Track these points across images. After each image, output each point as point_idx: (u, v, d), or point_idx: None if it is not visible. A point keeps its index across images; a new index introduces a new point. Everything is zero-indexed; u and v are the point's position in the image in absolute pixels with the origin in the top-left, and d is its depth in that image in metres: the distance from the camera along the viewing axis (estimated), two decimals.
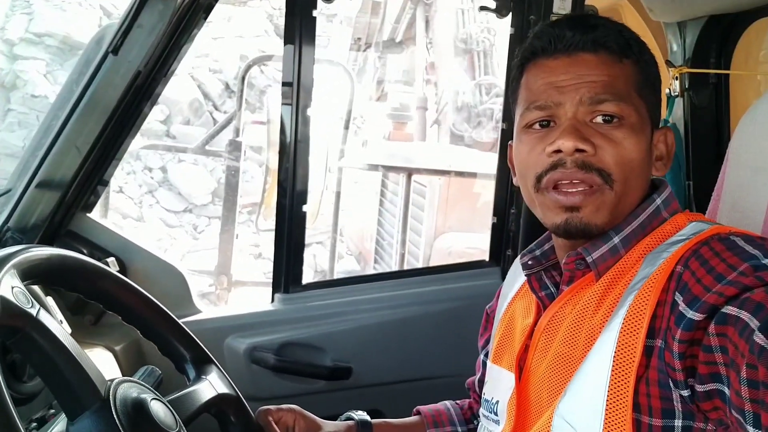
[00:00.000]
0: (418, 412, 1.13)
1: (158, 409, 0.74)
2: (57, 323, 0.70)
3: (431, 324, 1.75)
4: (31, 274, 0.72)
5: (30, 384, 1.09)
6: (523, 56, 0.88)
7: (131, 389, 0.74)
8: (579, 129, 0.81)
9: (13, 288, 0.66)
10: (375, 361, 1.72)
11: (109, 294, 0.85)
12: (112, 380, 0.74)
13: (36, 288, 1.25)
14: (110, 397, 0.70)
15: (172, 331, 0.91)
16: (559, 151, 0.81)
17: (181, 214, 8.13)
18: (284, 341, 1.70)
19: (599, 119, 0.82)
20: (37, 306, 0.69)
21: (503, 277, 1.78)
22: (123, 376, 1.54)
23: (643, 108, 0.84)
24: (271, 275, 1.81)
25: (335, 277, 3.40)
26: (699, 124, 1.70)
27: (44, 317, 0.69)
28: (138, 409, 0.72)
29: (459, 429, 1.09)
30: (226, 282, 3.05)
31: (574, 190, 0.81)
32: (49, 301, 1.35)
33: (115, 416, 0.69)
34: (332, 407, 1.71)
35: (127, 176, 7.94)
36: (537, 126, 0.85)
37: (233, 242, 3.09)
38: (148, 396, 0.75)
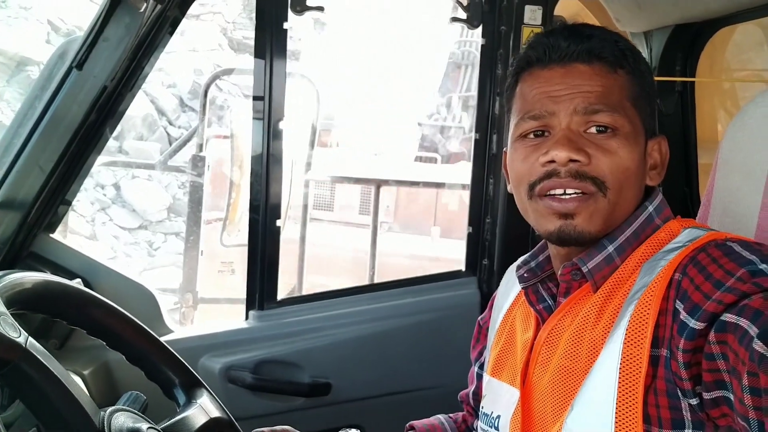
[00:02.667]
0: (412, 428, 1.11)
1: None
2: (46, 351, 0.66)
3: (409, 336, 1.74)
4: (16, 300, 0.69)
5: (4, 414, 1.03)
6: (518, 66, 0.88)
7: (125, 419, 0.71)
8: (573, 139, 0.81)
9: (0, 317, 0.62)
10: (354, 376, 1.70)
11: (94, 320, 0.81)
12: (105, 410, 0.70)
13: None
14: (105, 427, 0.66)
15: (159, 355, 0.87)
16: (552, 161, 0.81)
17: (135, 231, 7.94)
18: (261, 359, 1.66)
19: (593, 129, 0.82)
20: (25, 335, 0.65)
21: (480, 287, 1.80)
22: (94, 401, 1.51)
23: (637, 118, 0.84)
24: (238, 291, 1.77)
25: (304, 292, 3.36)
26: (666, 132, 1.72)
27: (33, 346, 0.65)
28: None
29: None
30: (192, 300, 2.98)
31: (567, 197, 0.81)
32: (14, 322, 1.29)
33: None
34: (313, 424, 1.68)
35: (78, 194, 7.72)
36: (531, 135, 0.85)
37: (198, 259, 3.03)
38: (143, 425, 0.71)
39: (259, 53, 1.68)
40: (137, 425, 0.71)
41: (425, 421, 1.12)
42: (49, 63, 1.58)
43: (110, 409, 0.70)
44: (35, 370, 0.63)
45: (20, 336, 0.64)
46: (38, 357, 0.64)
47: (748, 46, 1.69)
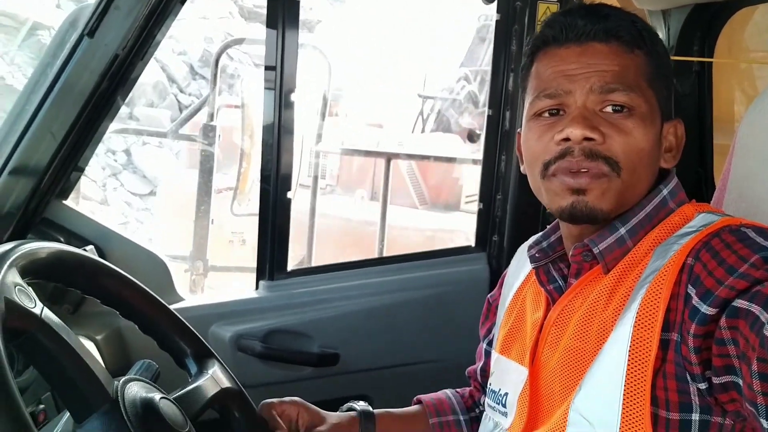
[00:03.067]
0: (419, 401, 1.12)
1: (168, 407, 0.72)
2: (61, 321, 0.67)
3: (418, 310, 1.75)
4: (30, 270, 0.69)
5: (19, 379, 1.05)
6: (534, 45, 0.88)
7: (139, 389, 0.72)
8: (588, 118, 0.81)
9: (15, 287, 0.63)
10: (362, 348, 1.72)
11: (108, 290, 0.82)
12: (119, 379, 0.71)
13: None
14: (119, 397, 0.68)
15: (172, 326, 0.88)
16: (567, 139, 0.81)
17: (146, 198, 7.97)
18: (270, 329, 1.67)
19: (609, 109, 0.82)
20: (41, 305, 0.66)
21: (489, 262, 1.81)
22: (106, 366, 1.53)
23: (653, 99, 0.84)
24: (247, 261, 1.78)
25: (313, 264, 3.37)
26: (682, 113, 1.72)
27: (48, 316, 0.66)
28: (148, 409, 0.70)
29: (461, 418, 1.09)
30: (202, 267, 3.01)
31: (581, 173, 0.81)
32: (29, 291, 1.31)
33: (125, 417, 0.66)
34: (320, 393, 1.70)
35: (90, 160, 7.73)
36: (546, 114, 0.85)
37: (209, 227, 3.04)
38: (156, 395, 0.72)
39: (271, 23, 1.67)
40: (150, 395, 0.72)
41: (432, 395, 1.13)
42: (61, 30, 1.57)
43: (124, 378, 0.72)
44: (50, 340, 0.64)
45: (36, 306, 0.65)
46: (53, 327, 0.65)
47: None
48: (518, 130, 0.93)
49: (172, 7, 1.60)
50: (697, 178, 1.76)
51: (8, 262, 0.64)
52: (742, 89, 1.77)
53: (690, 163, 1.77)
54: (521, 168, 0.92)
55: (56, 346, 0.65)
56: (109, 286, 0.82)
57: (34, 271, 0.70)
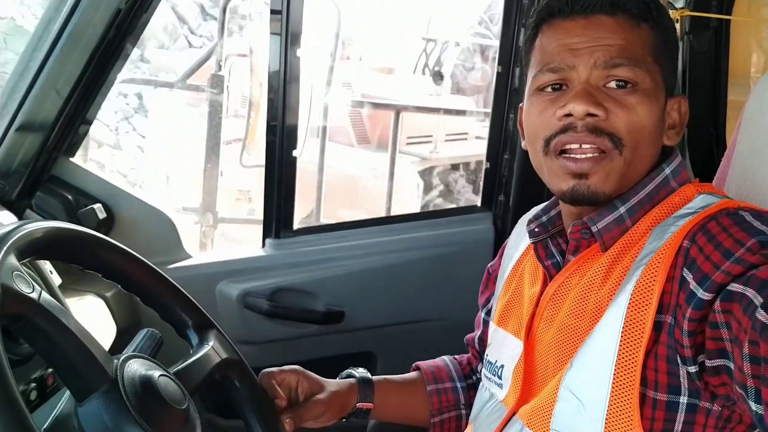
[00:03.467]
0: (417, 368, 1.14)
1: (166, 384, 0.74)
2: (58, 304, 0.68)
3: (422, 269, 1.76)
4: (28, 251, 0.70)
5: (27, 345, 1.07)
6: (538, 17, 0.86)
7: (138, 366, 0.73)
8: (591, 93, 0.79)
9: (13, 272, 0.64)
10: (367, 305, 1.74)
11: (107, 264, 0.83)
12: (118, 357, 0.73)
13: None
14: (118, 376, 0.69)
15: (172, 297, 0.90)
16: (570, 115, 0.80)
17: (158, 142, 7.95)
18: (277, 287, 1.70)
19: (613, 84, 0.80)
20: (38, 289, 0.67)
21: (495, 223, 1.80)
22: (116, 323, 1.56)
23: (659, 74, 0.82)
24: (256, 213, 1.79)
25: (321, 221, 3.37)
26: (698, 69, 1.67)
27: (46, 300, 0.67)
28: (146, 387, 0.72)
29: (458, 385, 1.11)
30: (212, 219, 3.03)
31: (583, 156, 0.80)
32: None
33: (123, 396, 0.68)
34: (325, 350, 1.74)
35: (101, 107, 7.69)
36: (549, 89, 0.83)
37: (218, 180, 3.05)
38: (155, 372, 0.74)
39: None
40: (149, 372, 0.73)
41: (430, 362, 1.15)
42: None
43: (123, 356, 0.73)
44: (48, 323, 0.66)
45: (33, 291, 0.66)
46: (51, 311, 0.66)
47: None
48: (520, 105, 0.91)
49: None
50: (709, 137, 1.72)
51: (5, 248, 0.65)
52: (761, 47, 1.71)
53: (704, 122, 1.73)
54: (522, 144, 0.91)
55: (54, 328, 0.66)
56: (109, 260, 0.83)
57: (33, 252, 0.71)
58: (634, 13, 0.80)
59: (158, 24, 8.07)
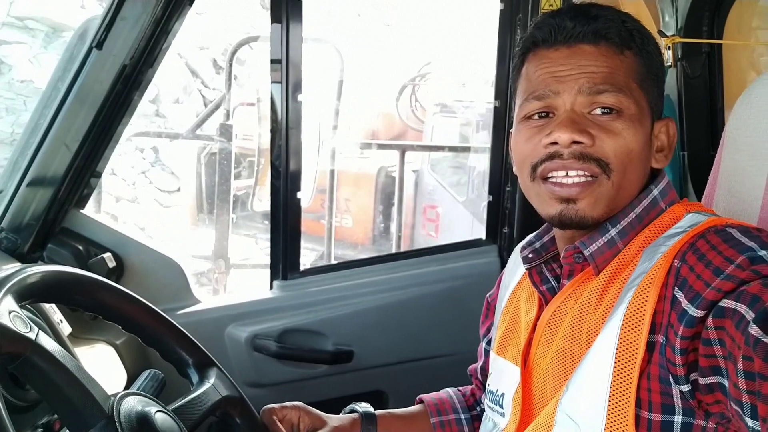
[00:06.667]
0: (421, 401, 1.14)
1: (163, 420, 0.75)
2: (56, 344, 0.70)
3: (430, 304, 1.76)
4: (27, 294, 0.72)
5: (33, 391, 1.09)
6: (524, 46, 0.88)
7: (135, 403, 0.75)
8: (576, 121, 0.80)
9: (10, 313, 0.66)
10: (376, 344, 1.74)
11: (107, 305, 0.85)
12: (115, 395, 0.74)
13: None
14: (114, 413, 0.71)
15: (173, 336, 0.91)
16: (555, 143, 0.81)
17: (175, 194, 8.09)
18: (285, 328, 1.71)
19: (598, 111, 0.81)
20: (36, 329, 0.69)
21: (500, 255, 1.81)
22: (126, 371, 1.57)
23: (643, 99, 0.83)
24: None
25: (333, 261, 3.40)
26: (692, 94, 1.69)
27: (43, 340, 0.69)
28: (143, 422, 0.73)
29: (462, 416, 1.11)
30: (224, 266, 3.06)
31: (570, 181, 0.81)
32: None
33: None
34: (335, 390, 1.74)
35: (118, 158, 7.86)
36: (536, 117, 0.85)
37: (229, 226, 3.09)
38: (152, 408, 0.75)
39: (275, 18, 1.68)
40: (146, 409, 0.75)
41: (434, 394, 1.14)
42: (70, 44, 1.61)
43: (120, 393, 0.74)
44: (45, 362, 0.67)
45: (31, 331, 0.68)
46: (48, 350, 0.68)
47: None
48: (511, 130, 0.93)
49: (178, 13, 1.62)
50: (710, 160, 1.73)
51: (3, 290, 0.68)
52: (755, 69, 1.73)
53: (703, 145, 1.74)
54: (513, 169, 0.92)
55: (52, 367, 0.68)
56: (109, 301, 0.85)
57: (31, 294, 0.73)
58: (616, 42, 0.82)
59: (172, 78, 8.28)
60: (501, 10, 1.73)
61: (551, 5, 1.67)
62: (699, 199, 1.62)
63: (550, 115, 0.83)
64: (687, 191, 1.72)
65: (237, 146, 3.02)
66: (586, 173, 0.80)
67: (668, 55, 1.67)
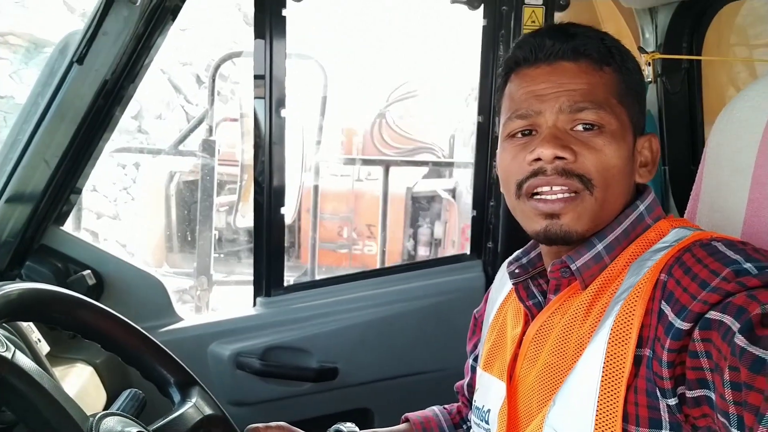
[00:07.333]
0: (407, 420, 1.12)
1: None
2: (33, 363, 0.68)
3: (415, 320, 1.75)
4: (4, 313, 0.71)
5: (9, 412, 1.06)
6: (506, 66, 0.89)
7: (115, 423, 0.73)
8: (559, 137, 0.81)
9: None
10: (361, 360, 1.72)
11: (86, 323, 0.83)
12: (94, 415, 0.72)
13: None
14: None
15: (153, 355, 0.89)
16: (539, 159, 0.81)
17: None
18: (268, 345, 1.69)
19: (579, 127, 0.82)
20: (12, 348, 0.67)
21: (485, 270, 1.81)
22: (106, 390, 1.54)
23: (624, 115, 0.84)
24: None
25: (316, 278, 3.38)
26: (673, 110, 1.71)
27: (20, 359, 0.67)
28: None
29: None
30: (207, 283, 3.03)
31: (554, 197, 0.82)
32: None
33: None
34: (320, 408, 1.72)
35: (100, 174, 7.78)
36: (519, 135, 0.86)
37: (212, 243, 3.06)
38: (132, 429, 0.74)
39: (258, 35, 1.69)
40: (126, 429, 0.73)
41: (419, 413, 1.13)
42: (51, 59, 1.59)
43: (99, 414, 0.73)
44: (22, 382, 0.66)
45: (7, 350, 0.66)
46: (25, 370, 0.66)
47: (756, 22, 1.65)
48: (497, 150, 0.94)
49: (160, 29, 1.62)
50: (691, 174, 1.75)
51: None
52: (734, 84, 1.76)
53: (684, 160, 1.76)
54: (501, 188, 0.92)
55: (28, 387, 0.66)
56: (88, 319, 0.83)
57: (8, 313, 0.72)
58: (595, 58, 0.83)
59: (154, 94, 8.24)
60: (484, 27, 1.74)
61: (533, 21, 1.69)
62: (680, 211, 1.65)
63: (534, 132, 0.84)
64: (668, 205, 1.73)
65: (220, 163, 3.01)
66: (569, 189, 0.81)
67: (648, 71, 1.69)
